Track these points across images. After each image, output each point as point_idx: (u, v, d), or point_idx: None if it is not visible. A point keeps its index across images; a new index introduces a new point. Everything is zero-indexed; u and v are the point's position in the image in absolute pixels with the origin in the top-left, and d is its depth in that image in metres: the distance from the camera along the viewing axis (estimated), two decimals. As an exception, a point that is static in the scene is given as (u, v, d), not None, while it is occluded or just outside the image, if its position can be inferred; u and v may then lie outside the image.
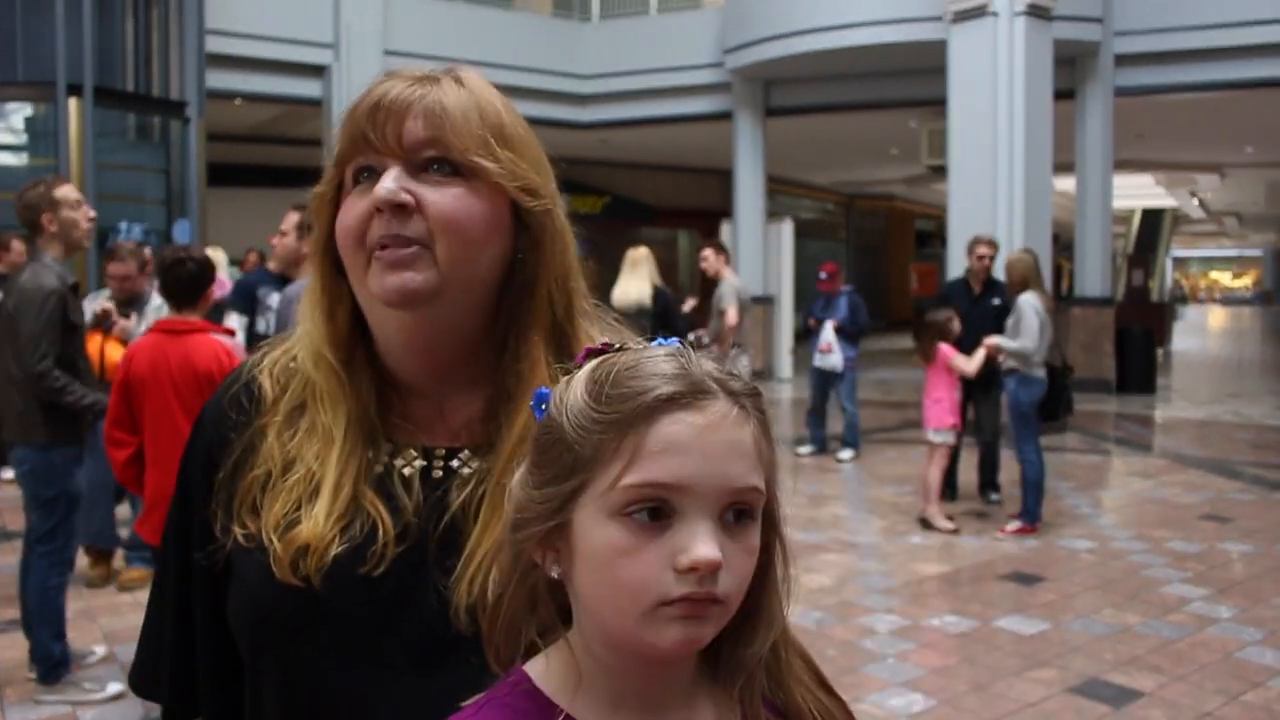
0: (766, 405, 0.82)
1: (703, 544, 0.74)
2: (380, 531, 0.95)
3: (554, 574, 0.82)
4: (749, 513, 0.79)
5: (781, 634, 0.87)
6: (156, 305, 5.23)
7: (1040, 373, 6.76)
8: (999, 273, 7.94)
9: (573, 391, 0.80)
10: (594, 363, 0.82)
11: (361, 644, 0.94)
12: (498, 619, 0.85)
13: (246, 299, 5.97)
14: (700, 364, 0.80)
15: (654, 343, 0.84)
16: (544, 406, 0.83)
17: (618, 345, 0.83)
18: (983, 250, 7.64)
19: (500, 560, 0.86)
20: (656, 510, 0.75)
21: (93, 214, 4.41)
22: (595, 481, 0.77)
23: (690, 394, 0.77)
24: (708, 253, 8.71)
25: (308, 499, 0.97)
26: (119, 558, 5.70)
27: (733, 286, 8.34)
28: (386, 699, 0.93)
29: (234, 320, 6.04)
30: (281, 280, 5.75)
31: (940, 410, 6.87)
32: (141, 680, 1.12)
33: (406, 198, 0.93)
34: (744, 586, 0.79)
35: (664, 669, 0.82)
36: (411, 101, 0.95)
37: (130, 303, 5.23)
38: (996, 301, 7.46)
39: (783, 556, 0.86)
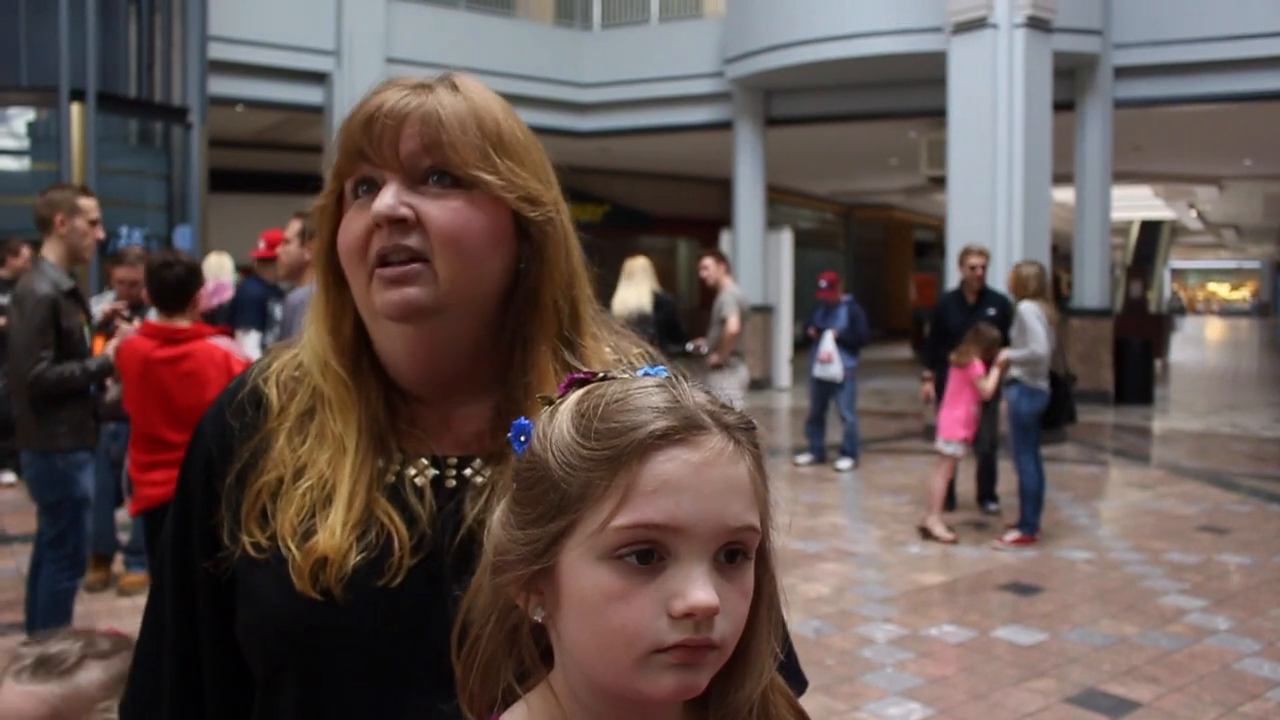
0: (760, 438, 0.80)
1: (699, 588, 0.71)
2: (396, 543, 0.94)
3: (537, 618, 0.78)
4: (744, 552, 0.75)
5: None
6: None
7: (1043, 384, 6.78)
8: (997, 283, 7.96)
9: (558, 425, 0.76)
10: (579, 394, 0.78)
11: (383, 660, 0.92)
12: (473, 664, 0.82)
13: (258, 313, 5.99)
14: (692, 395, 0.77)
15: (640, 371, 0.81)
16: (523, 439, 0.79)
17: (602, 374, 0.80)
18: (974, 260, 7.61)
19: (476, 601, 0.83)
20: (648, 552, 0.72)
21: (101, 235, 4.46)
22: (584, 522, 0.73)
23: (685, 429, 0.73)
24: (708, 261, 8.72)
25: (321, 507, 0.95)
26: (118, 562, 5.71)
27: (734, 295, 8.35)
28: (409, 712, 0.92)
29: (251, 338, 6.04)
30: (277, 290, 5.78)
31: (954, 422, 6.88)
32: (133, 717, 1.08)
33: (406, 212, 0.92)
34: (740, 629, 0.76)
35: (653, 714, 0.78)
36: (408, 112, 0.94)
37: (135, 308, 5.24)
38: (992, 312, 7.44)
39: (774, 595, 0.82)
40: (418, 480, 0.98)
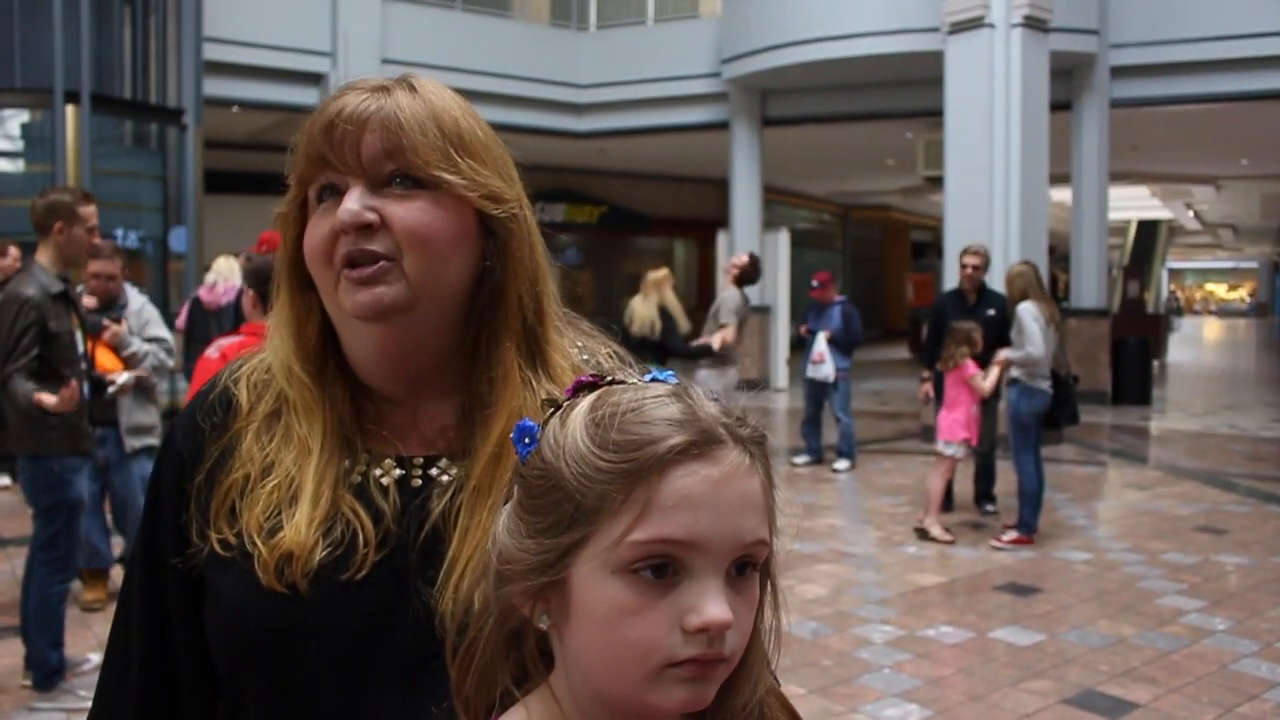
0: (771, 450, 0.79)
1: (714, 604, 0.71)
2: (361, 538, 0.94)
3: (542, 626, 0.77)
4: (753, 564, 0.75)
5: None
6: (136, 308, 5.20)
7: (1044, 384, 6.75)
8: (996, 284, 7.94)
9: (570, 434, 0.75)
10: (589, 400, 0.77)
11: (350, 657, 0.93)
12: (469, 667, 0.81)
13: None
14: (705, 406, 0.76)
15: (647, 376, 0.80)
16: (527, 440, 0.78)
17: (608, 378, 0.80)
18: (967, 260, 7.59)
19: (470, 605, 0.83)
20: (663, 566, 0.71)
21: (98, 240, 4.46)
22: (599, 535, 0.72)
23: (703, 443, 0.73)
24: (743, 258, 8.66)
25: (287, 505, 0.96)
26: (115, 578, 5.59)
27: (735, 300, 8.32)
28: (374, 712, 0.92)
29: None
30: None
31: (953, 423, 6.86)
32: None
33: (371, 217, 0.93)
34: (746, 640, 0.76)
35: None
36: (367, 116, 0.94)
37: (108, 306, 5.16)
38: (991, 312, 7.42)
39: (774, 603, 0.82)
40: (383, 480, 0.99)
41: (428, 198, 0.95)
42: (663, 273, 8.31)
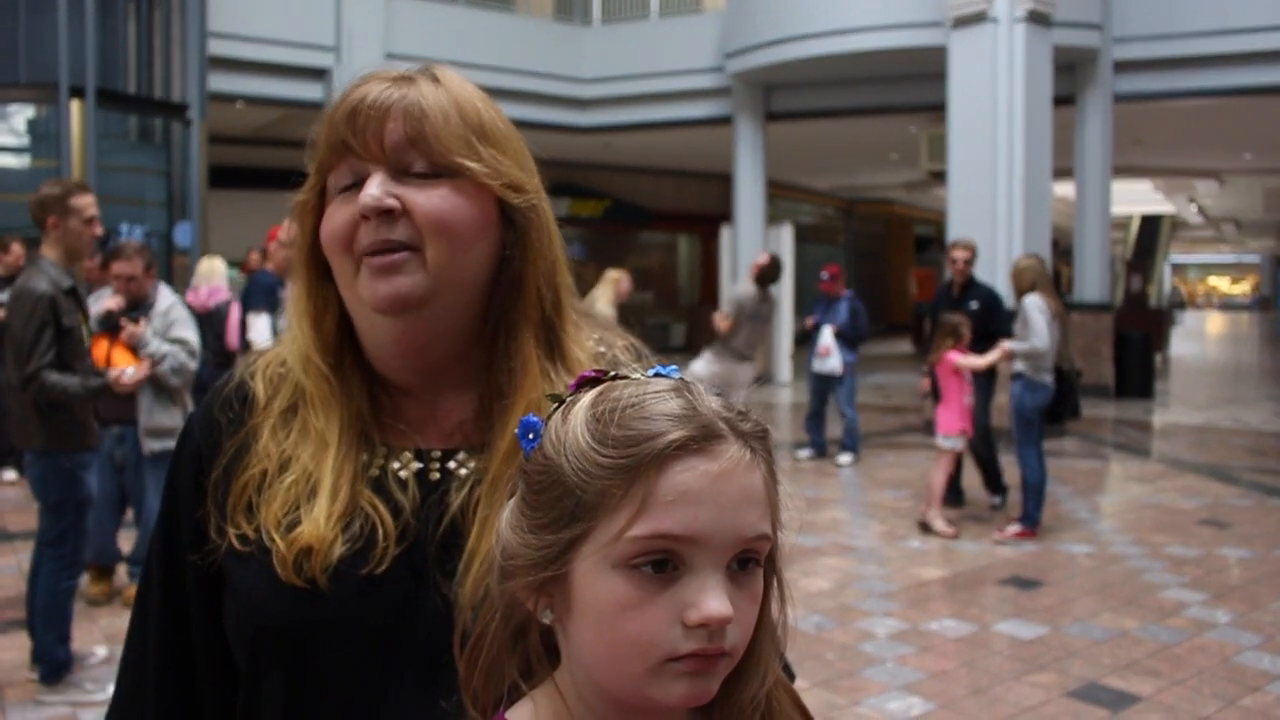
0: (773, 445, 0.79)
1: (714, 599, 0.71)
2: (380, 531, 0.94)
3: (546, 620, 0.78)
4: (756, 559, 0.75)
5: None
6: (164, 309, 5.12)
7: (1047, 378, 6.75)
8: (997, 277, 7.95)
9: (571, 429, 0.75)
10: (591, 395, 0.77)
11: (369, 651, 0.93)
12: (476, 662, 0.81)
13: (270, 298, 5.99)
14: (707, 401, 0.76)
15: (651, 371, 0.80)
16: (531, 436, 0.79)
17: (612, 374, 0.80)
18: (954, 254, 7.63)
19: (478, 600, 0.84)
20: (663, 561, 0.71)
21: (100, 231, 4.39)
22: (599, 530, 0.72)
23: (703, 438, 0.73)
24: (764, 258, 8.98)
25: (305, 500, 0.96)
26: (122, 574, 5.56)
27: (744, 295, 8.52)
28: (393, 706, 0.92)
29: (262, 321, 6.03)
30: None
31: (949, 416, 6.87)
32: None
33: (392, 203, 0.93)
34: (749, 635, 0.76)
35: (660, 717, 0.78)
36: (390, 104, 0.94)
37: (135, 306, 5.12)
38: (974, 305, 7.42)
39: (780, 597, 0.82)
40: (401, 474, 0.99)
41: (449, 185, 0.95)
42: (614, 274, 8.56)
